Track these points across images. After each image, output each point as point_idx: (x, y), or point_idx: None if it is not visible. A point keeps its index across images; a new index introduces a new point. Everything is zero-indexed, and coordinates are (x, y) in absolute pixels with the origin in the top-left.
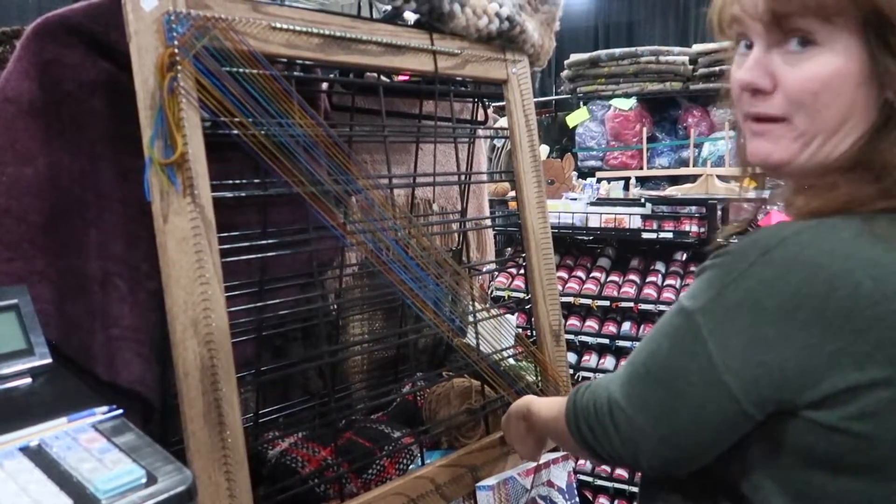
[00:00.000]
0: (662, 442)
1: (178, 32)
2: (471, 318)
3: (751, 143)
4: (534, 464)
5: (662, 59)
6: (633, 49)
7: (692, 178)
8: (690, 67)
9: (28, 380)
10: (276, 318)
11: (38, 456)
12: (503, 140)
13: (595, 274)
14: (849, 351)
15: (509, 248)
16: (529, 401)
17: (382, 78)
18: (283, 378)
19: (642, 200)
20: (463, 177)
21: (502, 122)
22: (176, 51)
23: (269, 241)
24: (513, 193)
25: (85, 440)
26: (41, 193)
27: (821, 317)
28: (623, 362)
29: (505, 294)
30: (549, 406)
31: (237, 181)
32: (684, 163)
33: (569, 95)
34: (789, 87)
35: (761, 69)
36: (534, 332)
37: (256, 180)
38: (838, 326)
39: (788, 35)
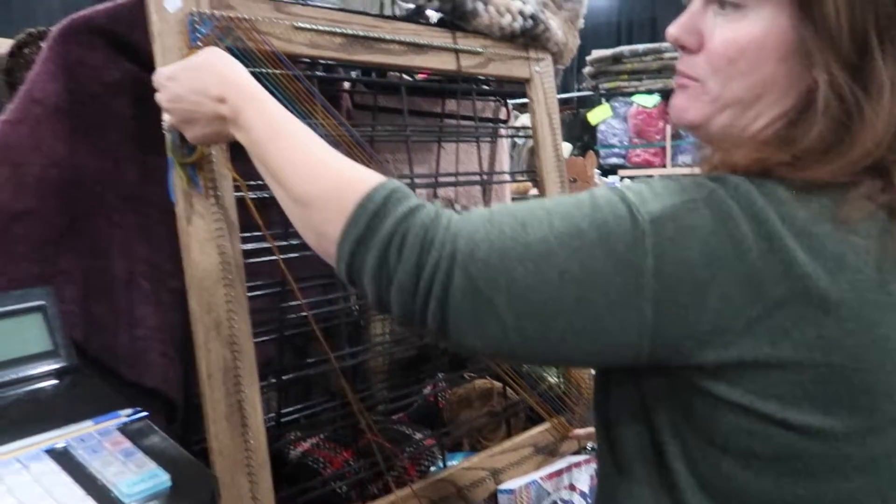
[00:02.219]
0: (514, 329)
1: (201, 33)
2: None
3: (672, 97)
4: (557, 468)
5: None
6: (656, 45)
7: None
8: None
9: (54, 381)
10: (297, 318)
11: (64, 458)
12: (524, 137)
13: None
14: (767, 322)
15: None
16: (243, 80)
17: (404, 77)
18: (304, 378)
19: None
20: (485, 176)
21: (523, 119)
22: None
23: (292, 242)
24: (534, 192)
25: (110, 443)
26: (66, 194)
27: (752, 277)
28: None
29: None
30: (286, 123)
31: (260, 182)
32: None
33: (591, 92)
34: (710, 48)
35: (691, 26)
36: None
37: None
38: (765, 293)
39: None
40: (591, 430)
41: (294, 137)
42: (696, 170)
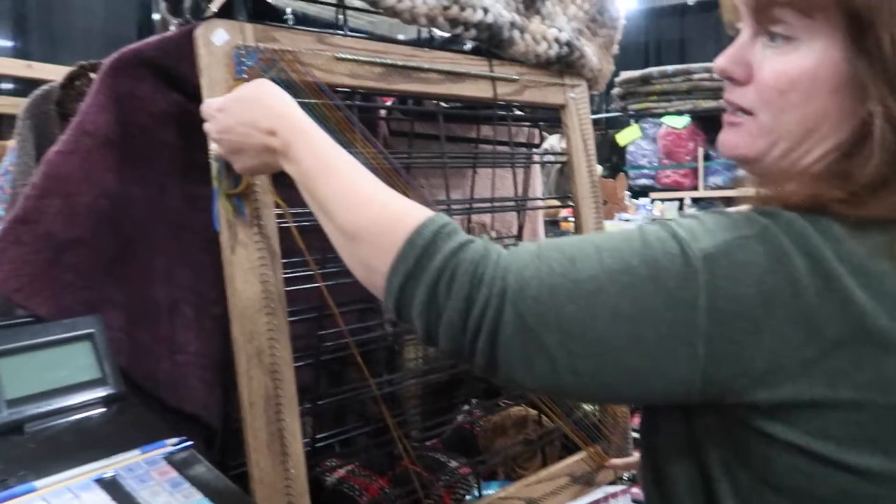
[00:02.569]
0: (565, 367)
1: (246, 66)
2: None
3: (722, 132)
4: (593, 498)
5: (717, 75)
6: (685, 66)
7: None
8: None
9: (102, 409)
10: (334, 344)
11: (113, 488)
12: (555, 162)
13: None
14: (825, 364)
15: None
16: (294, 113)
17: (441, 104)
18: (339, 403)
19: None
20: (521, 201)
21: (552, 140)
22: (245, 84)
23: (330, 269)
24: (563, 213)
25: (157, 472)
26: (114, 223)
27: (809, 316)
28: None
29: None
30: (336, 157)
31: (300, 210)
32: (740, 182)
33: (619, 113)
34: (760, 80)
35: (739, 57)
36: None
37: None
38: (822, 334)
39: (770, 25)
40: (629, 459)
41: (343, 170)
42: (729, 192)
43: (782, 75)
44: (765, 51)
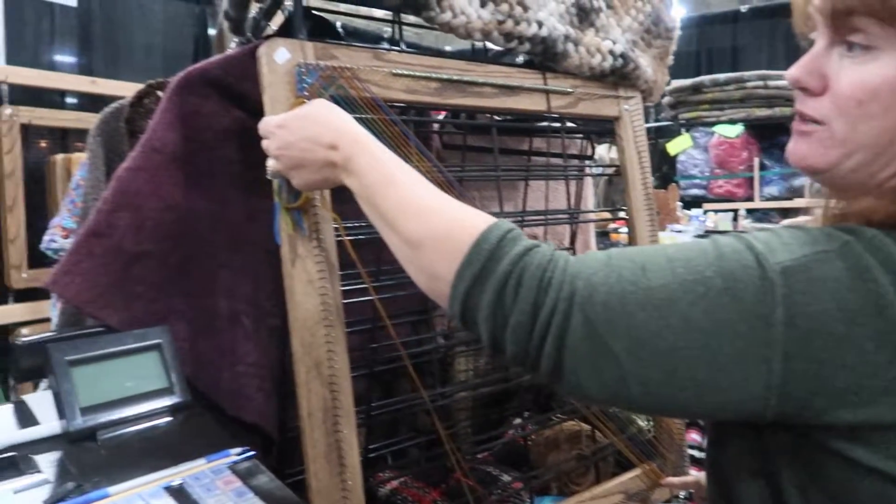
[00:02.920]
0: (634, 377)
1: (307, 83)
2: None
3: (791, 141)
4: None
5: (771, 83)
6: (738, 74)
7: (807, 210)
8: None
9: (169, 417)
10: (388, 355)
11: (181, 496)
12: (606, 175)
13: None
14: None
15: None
16: (346, 145)
17: (494, 116)
18: (391, 415)
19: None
20: (573, 212)
21: (600, 150)
22: (305, 101)
23: (386, 283)
24: (613, 224)
25: (222, 482)
26: (180, 236)
27: (894, 335)
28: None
29: None
30: (396, 169)
31: (356, 223)
32: (796, 192)
33: (670, 122)
34: (836, 91)
35: (813, 67)
36: None
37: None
38: None
39: (848, 34)
40: (686, 478)
41: (405, 181)
42: (785, 203)
43: (861, 85)
44: (842, 61)
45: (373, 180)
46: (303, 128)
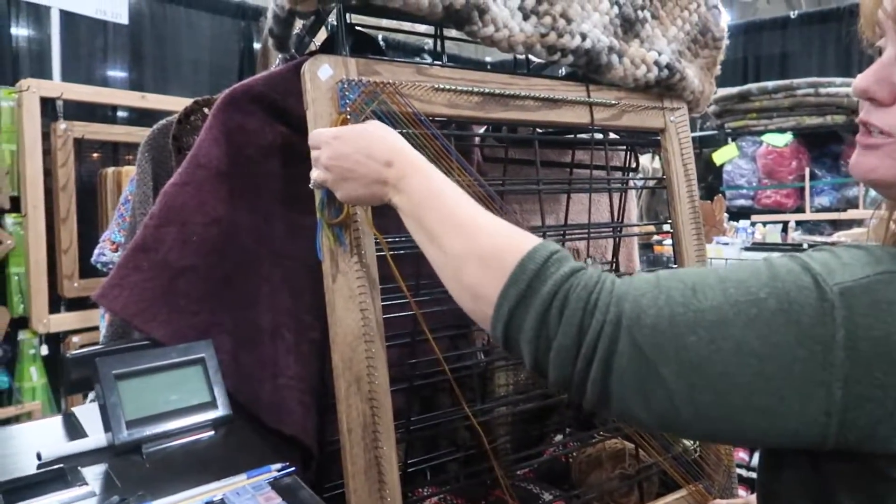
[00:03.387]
0: (685, 401)
1: (349, 99)
2: None
3: (857, 153)
4: None
5: (822, 90)
6: (788, 81)
7: (860, 222)
8: (855, 99)
9: (211, 432)
10: (427, 370)
11: None
12: (652, 187)
13: None
14: None
15: None
16: (401, 163)
17: (536, 130)
18: (431, 429)
19: (805, 246)
20: (616, 226)
21: (643, 160)
22: (348, 116)
23: (425, 298)
24: (657, 237)
25: (263, 498)
26: (223, 251)
27: None
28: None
29: None
30: (446, 188)
31: (396, 237)
32: (850, 203)
33: (715, 132)
34: None
35: (883, 76)
36: None
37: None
38: None
39: None
40: (736, 501)
41: (453, 202)
42: (838, 214)
43: None
44: None
45: (422, 200)
46: (359, 140)
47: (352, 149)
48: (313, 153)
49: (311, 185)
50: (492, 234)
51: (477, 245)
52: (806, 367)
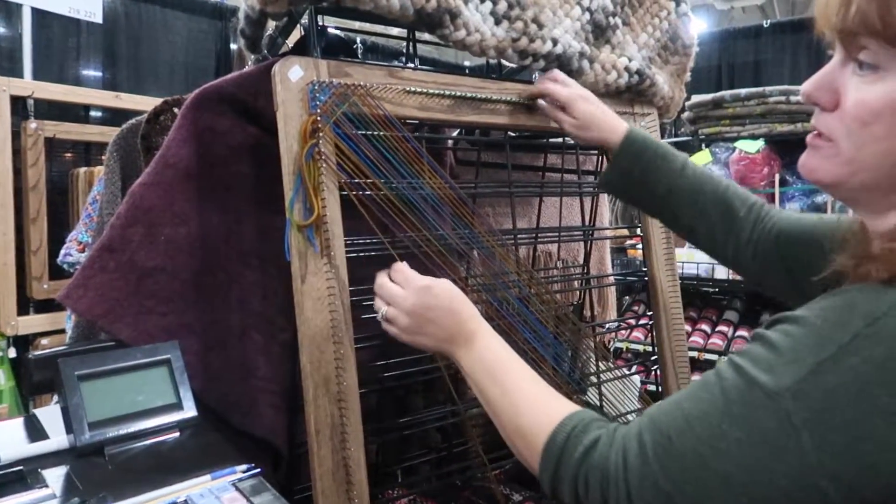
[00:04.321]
0: None
1: (320, 101)
2: (593, 379)
3: (804, 153)
4: None
5: (794, 98)
6: (760, 89)
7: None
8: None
9: (176, 433)
10: (398, 371)
11: None
12: None
13: (721, 328)
14: None
15: (627, 297)
16: (479, 321)
17: (509, 133)
18: (402, 431)
19: None
20: (588, 229)
21: None
22: (318, 118)
23: None
24: (631, 242)
25: (227, 499)
26: (192, 252)
27: None
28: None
29: (624, 345)
30: (507, 361)
31: (366, 239)
32: (819, 209)
33: (689, 137)
34: (844, 108)
35: (825, 82)
36: (659, 389)
37: (385, 238)
38: None
39: (857, 52)
40: None
41: (504, 382)
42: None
43: (865, 106)
44: (853, 78)
45: (483, 365)
46: (451, 303)
47: (440, 304)
48: (391, 288)
49: (379, 318)
50: (527, 412)
51: (517, 424)
52: (791, 478)
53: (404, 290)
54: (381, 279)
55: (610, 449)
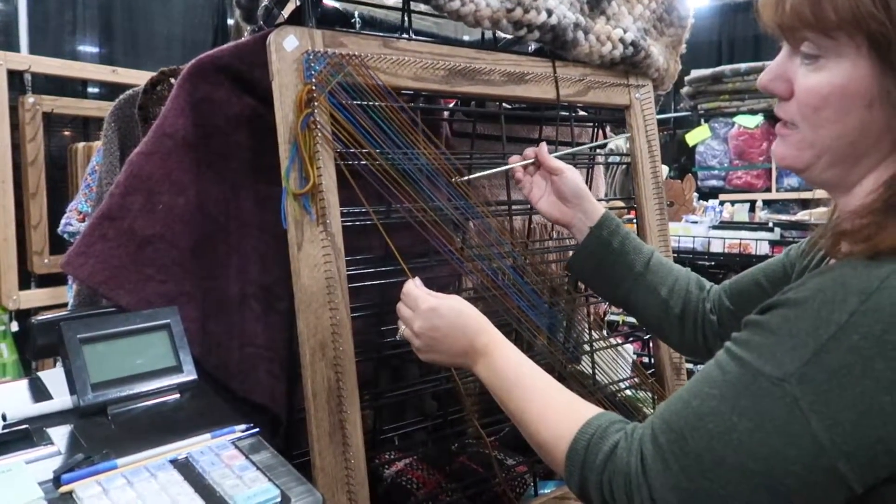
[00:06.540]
0: None
1: (315, 70)
2: (587, 347)
3: (775, 143)
4: None
5: None
6: (759, 64)
7: (827, 202)
8: None
9: (176, 395)
10: (395, 339)
11: (186, 469)
12: (617, 157)
13: None
14: None
15: None
16: (490, 333)
17: (504, 105)
18: (399, 398)
19: (770, 225)
20: None
21: (618, 140)
22: (314, 87)
23: (392, 268)
24: (629, 216)
25: (226, 457)
26: (191, 220)
27: None
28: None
29: (619, 318)
30: (523, 370)
31: (363, 209)
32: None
33: (689, 113)
34: (797, 96)
35: (780, 73)
36: (651, 360)
37: (381, 207)
38: None
39: (799, 44)
40: None
41: (523, 392)
42: (805, 194)
43: (813, 92)
44: (801, 68)
45: (501, 377)
46: (456, 320)
47: (446, 323)
48: (402, 311)
49: (396, 337)
50: (548, 423)
51: (540, 436)
52: (805, 465)
53: (413, 313)
54: (400, 302)
55: (629, 453)
